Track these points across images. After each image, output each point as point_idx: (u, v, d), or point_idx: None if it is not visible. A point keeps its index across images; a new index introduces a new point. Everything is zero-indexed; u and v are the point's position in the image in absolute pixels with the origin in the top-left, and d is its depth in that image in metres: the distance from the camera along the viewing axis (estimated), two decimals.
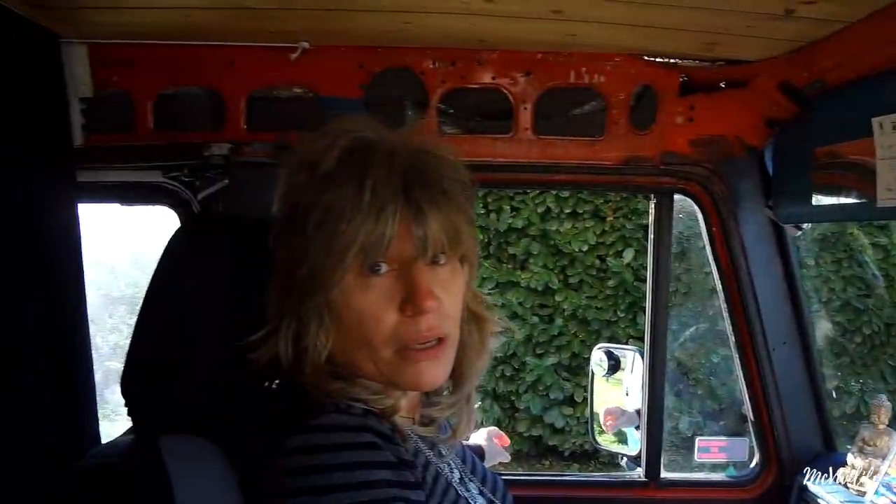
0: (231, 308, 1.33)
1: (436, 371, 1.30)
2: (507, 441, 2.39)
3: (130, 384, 1.29)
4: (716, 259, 2.28)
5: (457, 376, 1.46)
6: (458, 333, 1.36)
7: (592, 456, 6.99)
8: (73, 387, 1.74)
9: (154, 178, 2.21)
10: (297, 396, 1.26)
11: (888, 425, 2.18)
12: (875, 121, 1.67)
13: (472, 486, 1.47)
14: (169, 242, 1.35)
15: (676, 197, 2.32)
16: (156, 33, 2.03)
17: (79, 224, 1.84)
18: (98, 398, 1.92)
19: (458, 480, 1.42)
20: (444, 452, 1.44)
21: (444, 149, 1.36)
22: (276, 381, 1.35)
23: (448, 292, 1.30)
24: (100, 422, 1.89)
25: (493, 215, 6.98)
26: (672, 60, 2.13)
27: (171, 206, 2.31)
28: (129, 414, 1.30)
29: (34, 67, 1.77)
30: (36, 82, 1.76)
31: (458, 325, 1.35)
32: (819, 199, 1.99)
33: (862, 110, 1.73)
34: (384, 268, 1.25)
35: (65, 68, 1.94)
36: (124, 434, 1.32)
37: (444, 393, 1.48)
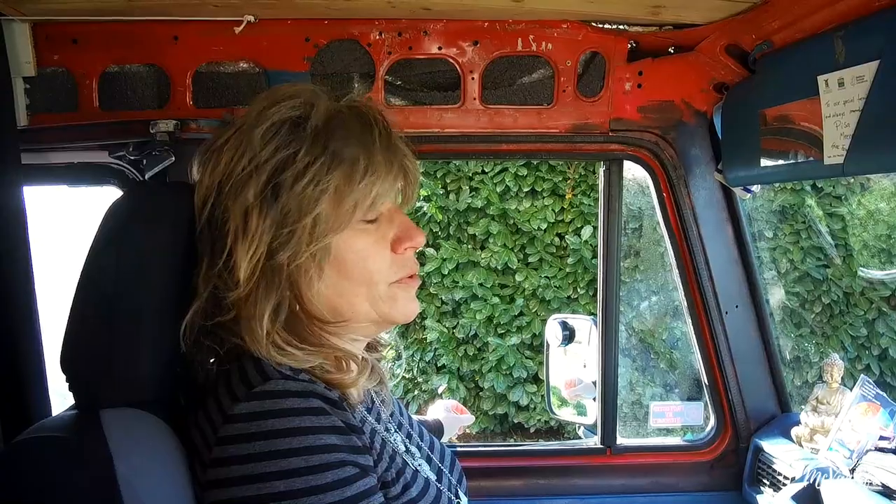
0: (176, 280, 1.30)
1: (416, 301, 1.42)
2: (466, 411, 2.40)
3: (71, 359, 1.27)
4: (667, 225, 2.31)
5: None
6: None
7: (558, 432, 7.04)
8: (22, 368, 1.71)
9: (100, 158, 2.18)
10: (243, 366, 1.25)
11: (840, 384, 2.22)
12: (820, 78, 1.69)
13: (418, 454, 1.49)
14: (108, 211, 1.32)
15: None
16: (99, 10, 1.98)
17: (25, 207, 1.80)
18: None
19: (403, 450, 1.44)
20: (388, 424, 1.46)
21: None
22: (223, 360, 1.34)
23: None
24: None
25: (452, 195, 6.97)
26: (620, 26, 2.12)
27: (119, 186, 2.28)
28: (70, 389, 1.27)
29: None
30: None
31: None
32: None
33: (807, 69, 1.75)
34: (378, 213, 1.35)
35: (6, 47, 1.89)
36: (69, 409, 1.30)
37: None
